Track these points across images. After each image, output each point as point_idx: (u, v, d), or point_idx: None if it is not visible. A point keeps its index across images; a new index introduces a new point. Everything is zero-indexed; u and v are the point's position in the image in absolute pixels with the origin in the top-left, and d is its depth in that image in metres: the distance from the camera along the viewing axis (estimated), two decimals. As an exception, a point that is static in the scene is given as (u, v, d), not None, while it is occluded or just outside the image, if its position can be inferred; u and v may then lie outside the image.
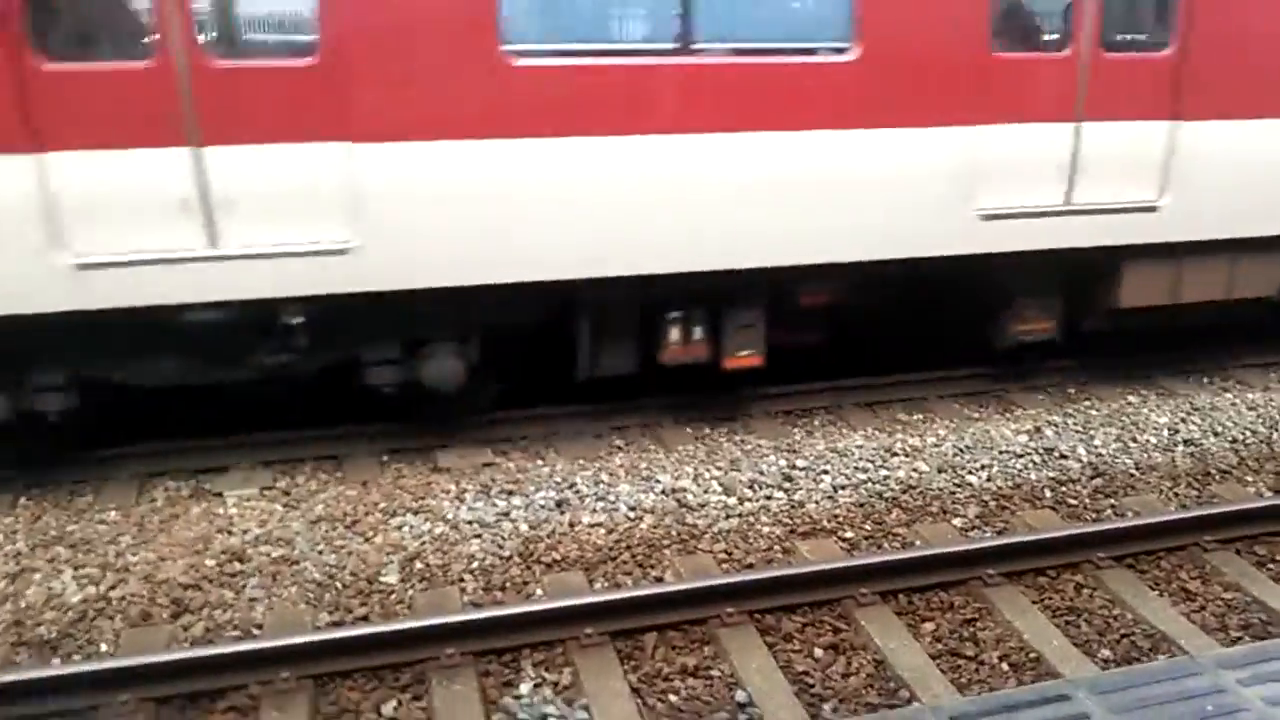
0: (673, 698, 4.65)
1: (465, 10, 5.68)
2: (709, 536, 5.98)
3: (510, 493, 6.41)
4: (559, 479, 6.59)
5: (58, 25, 5.56)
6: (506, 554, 5.74)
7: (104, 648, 4.89)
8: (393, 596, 5.34)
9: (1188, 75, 6.98)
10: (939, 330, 8.51)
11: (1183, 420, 7.80)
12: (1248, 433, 7.61)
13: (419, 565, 5.61)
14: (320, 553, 5.69)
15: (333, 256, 5.81)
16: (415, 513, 6.15)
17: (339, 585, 5.41)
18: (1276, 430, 7.68)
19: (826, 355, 7.89)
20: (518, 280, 6.19)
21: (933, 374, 8.26)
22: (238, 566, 5.55)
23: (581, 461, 6.87)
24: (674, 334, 6.86)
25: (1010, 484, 6.74)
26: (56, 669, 4.52)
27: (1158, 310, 7.81)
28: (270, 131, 5.55)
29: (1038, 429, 7.58)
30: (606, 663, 4.80)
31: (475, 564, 5.64)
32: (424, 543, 5.82)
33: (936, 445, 7.23)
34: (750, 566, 5.68)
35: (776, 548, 5.89)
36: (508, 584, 5.48)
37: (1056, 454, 7.16)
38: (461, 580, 5.50)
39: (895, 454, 7.08)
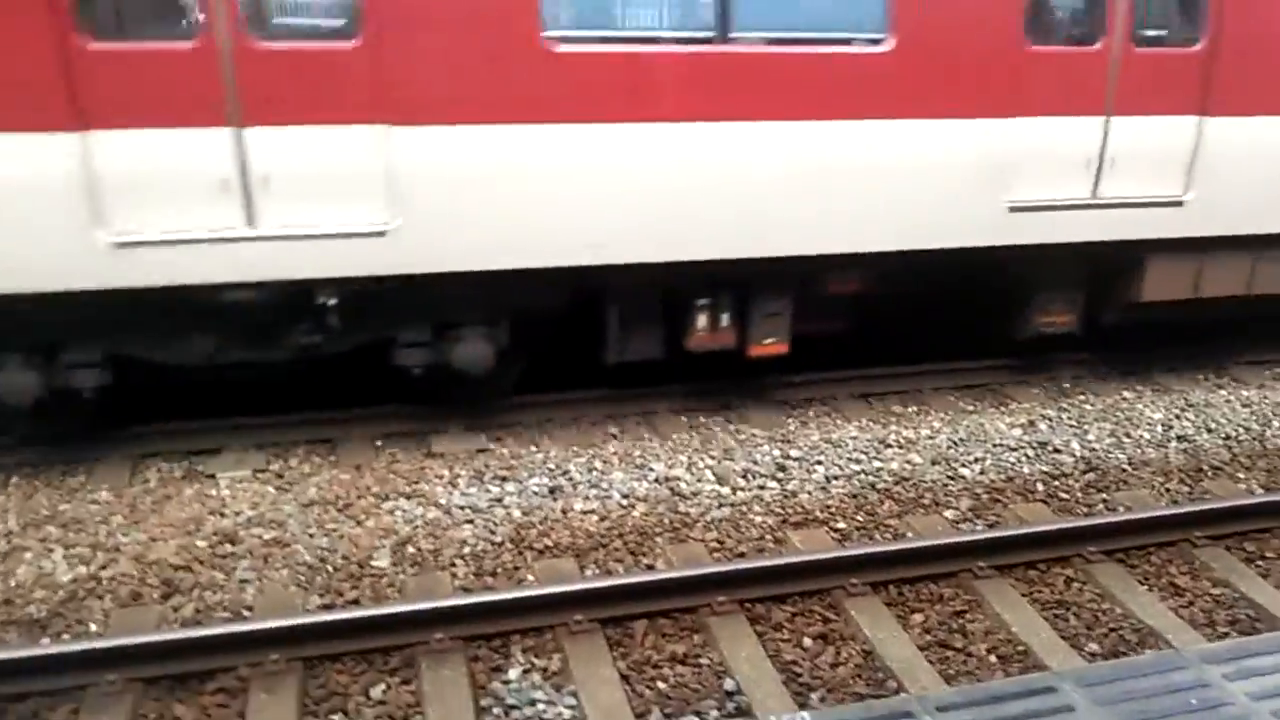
0: (661, 685, 4.66)
1: None
2: (701, 525, 5.98)
3: (504, 479, 6.41)
4: (552, 465, 6.60)
5: (103, 4, 5.60)
6: (498, 540, 5.75)
7: (93, 627, 4.90)
8: (384, 580, 5.35)
9: (1217, 71, 7.02)
10: (958, 321, 8.58)
11: (1177, 416, 7.81)
12: (1241, 430, 7.62)
13: (411, 550, 5.61)
14: (312, 536, 5.70)
15: (370, 239, 5.85)
16: (408, 497, 6.15)
17: (330, 568, 5.42)
18: (1270, 428, 7.69)
19: (838, 345, 7.92)
20: (551, 265, 6.24)
21: (928, 366, 8.26)
22: (229, 548, 5.55)
23: (575, 448, 6.88)
24: (702, 321, 6.91)
25: (1003, 477, 6.75)
26: (45, 648, 4.53)
27: (1177, 305, 7.86)
28: (311, 113, 5.59)
29: (1032, 423, 7.58)
30: (596, 649, 4.81)
31: (467, 549, 5.65)
32: (416, 527, 5.83)
33: (930, 437, 7.24)
34: (742, 555, 5.69)
35: (768, 537, 5.90)
36: (499, 569, 5.49)
37: (1050, 448, 7.17)
38: (453, 565, 5.50)
39: (889, 445, 7.09)
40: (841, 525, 6.06)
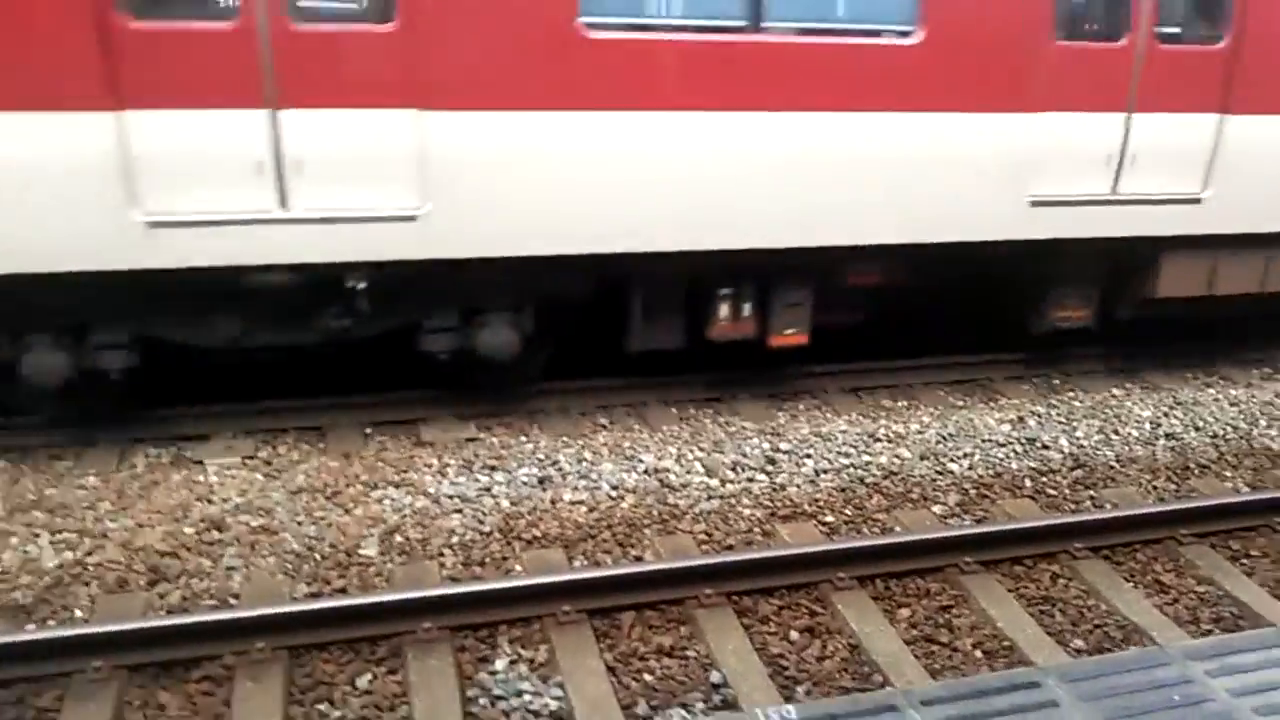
0: (648, 677, 4.67)
1: None
2: (690, 517, 5.99)
3: (493, 468, 6.41)
4: (542, 456, 6.60)
5: None
6: (487, 530, 5.74)
7: (79, 614, 4.88)
8: (371, 569, 5.34)
9: (1239, 69, 7.06)
10: (969, 315, 8.70)
11: (1165, 414, 7.85)
12: (1229, 428, 7.66)
13: (399, 539, 5.61)
14: (300, 524, 5.69)
15: (401, 223, 5.88)
16: (397, 486, 6.14)
17: (318, 557, 5.41)
18: (1257, 427, 7.73)
19: (850, 335, 7.98)
20: (580, 252, 6.27)
21: (919, 361, 8.28)
22: (216, 535, 5.54)
23: (565, 439, 6.87)
24: (724, 310, 6.98)
25: (991, 473, 6.77)
26: (30, 634, 4.50)
27: (1191, 301, 7.93)
28: (346, 96, 5.62)
29: (1021, 419, 7.61)
30: (583, 641, 4.81)
31: (455, 539, 5.64)
32: (404, 516, 5.82)
33: (920, 432, 7.25)
34: (730, 548, 5.70)
35: (757, 530, 5.91)
36: (487, 559, 5.48)
37: (1039, 444, 7.20)
38: (441, 555, 5.50)
39: (878, 440, 7.10)
40: (830, 519, 6.07)
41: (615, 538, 5.75)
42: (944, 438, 7.19)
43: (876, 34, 6.48)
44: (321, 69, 5.54)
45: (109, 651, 4.42)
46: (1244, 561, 5.91)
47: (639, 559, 5.57)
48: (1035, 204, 7.02)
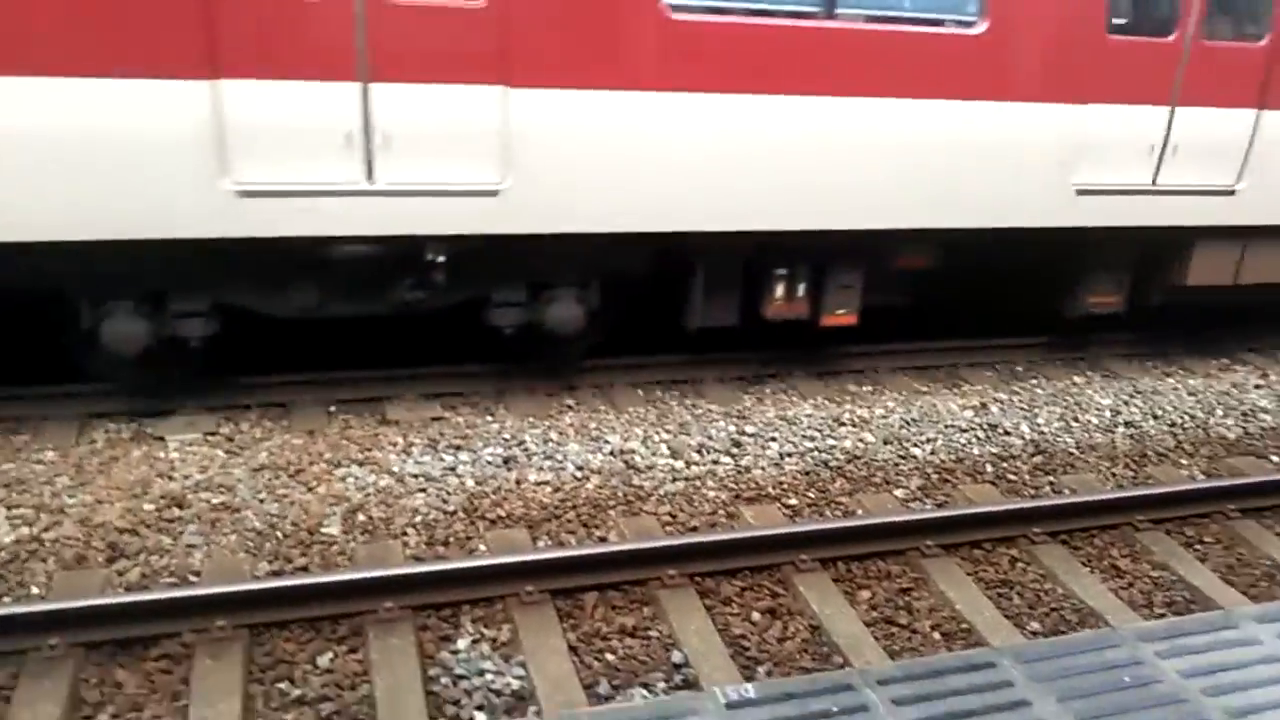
0: (610, 656, 4.69)
1: None
2: (655, 499, 6.01)
3: (458, 448, 6.39)
4: (508, 436, 6.58)
5: None
6: (451, 509, 5.73)
7: (35, 590, 4.82)
8: (334, 548, 5.31)
9: (1279, 67, 7.29)
10: (1004, 299, 8.94)
11: (1125, 402, 7.96)
12: (1186, 417, 7.79)
13: (362, 517, 5.58)
14: (262, 501, 5.64)
15: (482, 197, 5.96)
16: (361, 464, 6.11)
17: (279, 534, 5.37)
18: (1213, 416, 7.87)
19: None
20: (648, 230, 6.39)
21: (884, 346, 8.35)
22: (177, 512, 5.48)
23: (531, 419, 6.87)
24: (780, 290, 7.13)
25: (953, 458, 6.85)
26: (-16, 609, 4.44)
27: (1216, 290, 8.21)
28: (436, 72, 5.70)
29: (984, 405, 7.69)
30: (546, 621, 4.82)
31: (419, 518, 5.63)
32: (368, 495, 5.79)
33: (884, 417, 7.31)
34: (694, 530, 5.73)
35: (721, 512, 5.94)
36: (451, 539, 5.47)
37: (1000, 430, 7.28)
38: (404, 534, 5.48)
39: (843, 424, 7.15)
40: (793, 501, 6.12)
41: (580, 518, 5.76)
42: (908, 423, 7.26)
43: (940, 24, 6.63)
44: (413, 44, 5.63)
45: (66, 628, 4.36)
46: (1197, 547, 6.03)
47: (603, 540, 5.59)
48: (1080, 192, 7.26)
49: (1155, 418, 7.73)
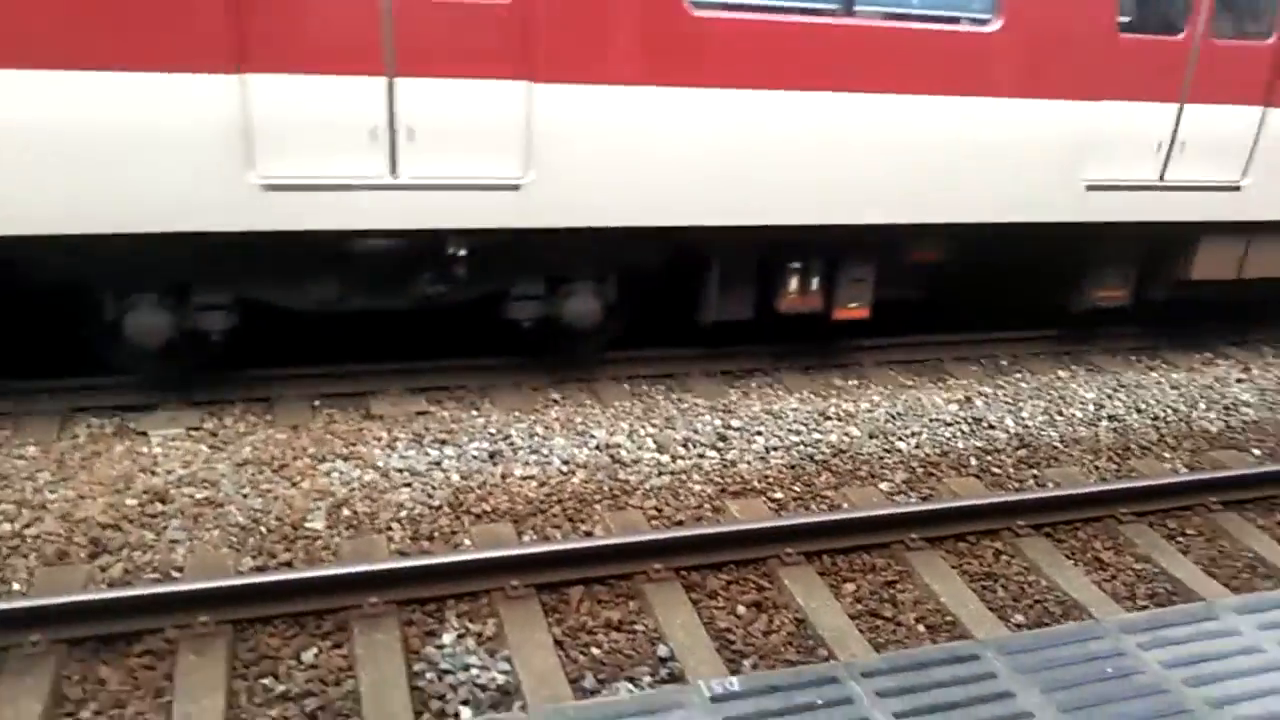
0: (595, 651, 4.69)
1: None
2: (640, 493, 6.01)
3: (443, 442, 6.37)
4: (493, 430, 6.57)
5: None
6: (436, 504, 5.72)
7: (16, 587, 4.78)
8: (318, 543, 5.29)
9: None
10: (1006, 293, 9.01)
11: (1109, 396, 8.01)
12: (1169, 411, 7.84)
13: (346, 512, 5.56)
14: (245, 496, 5.62)
15: (504, 192, 5.99)
16: (345, 459, 6.09)
17: (263, 530, 5.35)
18: (1196, 410, 7.92)
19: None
20: (667, 224, 6.43)
21: (871, 341, 8.36)
22: (159, 507, 5.45)
23: (517, 413, 6.85)
24: (793, 284, 7.20)
25: (938, 451, 6.87)
26: (-35, 606, 4.40)
27: (1221, 284, 8.31)
28: (461, 66, 5.73)
29: (968, 399, 7.72)
30: (531, 615, 4.82)
31: (404, 512, 5.61)
32: (353, 489, 5.77)
33: (870, 411, 7.33)
34: (680, 524, 5.73)
35: (706, 506, 5.95)
36: (436, 534, 5.46)
37: (985, 424, 7.31)
38: (389, 529, 5.46)
39: (829, 418, 7.17)
40: (779, 495, 6.13)
41: (565, 513, 5.75)
42: (893, 416, 7.28)
43: (955, 21, 6.68)
44: (439, 39, 5.65)
45: (48, 625, 4.33)
46: (1180, 540, 6.07)
47: (589, 534, 5.58)
48: (1089, 188, 7.33)
49: (1139, 411, 7.78)
